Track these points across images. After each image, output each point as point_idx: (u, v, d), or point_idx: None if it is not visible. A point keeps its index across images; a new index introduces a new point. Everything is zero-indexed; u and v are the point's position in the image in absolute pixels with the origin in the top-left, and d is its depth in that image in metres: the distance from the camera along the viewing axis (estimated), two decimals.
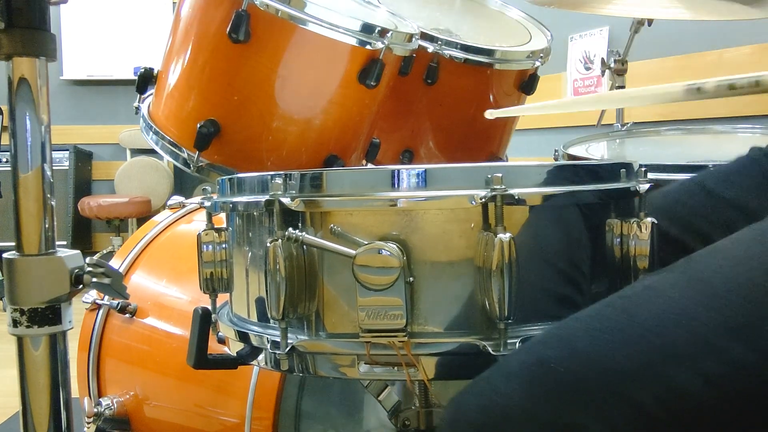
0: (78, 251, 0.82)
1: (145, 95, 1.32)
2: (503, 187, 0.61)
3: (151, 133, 1.26)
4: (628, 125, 1.92)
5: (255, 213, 0.72)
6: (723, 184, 0.86)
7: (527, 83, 1.49)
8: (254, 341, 0.72)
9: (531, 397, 0.57)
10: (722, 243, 0.62)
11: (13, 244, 0.79)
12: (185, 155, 1.19)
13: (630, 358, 0.55)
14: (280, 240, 0.65)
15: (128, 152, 4.79)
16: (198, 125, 1.15)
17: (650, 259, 0.68)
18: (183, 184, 4.57)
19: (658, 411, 0.54)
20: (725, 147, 1.67)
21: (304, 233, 0.65)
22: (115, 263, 1.36)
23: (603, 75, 2.85)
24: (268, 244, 0.65)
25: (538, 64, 1.47)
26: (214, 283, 0.79)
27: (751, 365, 0.53)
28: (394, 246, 0.62)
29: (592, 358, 0.56)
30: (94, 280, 0.80)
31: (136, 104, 1.32)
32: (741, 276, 0.57)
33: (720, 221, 0.83)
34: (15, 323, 0.78)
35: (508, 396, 0.57)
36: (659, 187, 0.91)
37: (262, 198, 0.68)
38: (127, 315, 1.27)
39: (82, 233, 4.71)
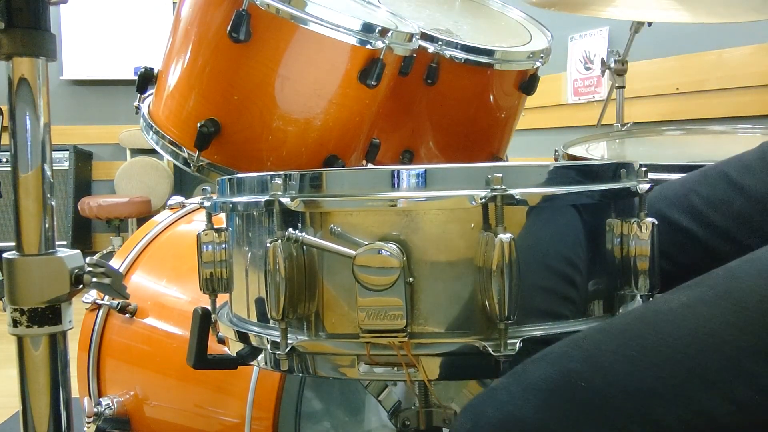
0: (78, 251, 0.82)
1: (146, 95, 1.32)
2: (503, 187, 0.61)
3: (151, 132, 1.26)
4: (628, 125, 1.93)
5: (255, 213, 0.72)
6: (744, 172, 0.82)
7: (527, 83, 1.49)
8: (254, 341, 0.72)
9: (552, 413, 0.56)
10: (761, 252, 0.59)
11: (13, 244, 0.79)
12: (185, 155, 1.19)
13: (657, 379, 0.54)
14: (279, 240, 0.65)
15: (128, 152, 4.79)
16: (198, 125, 1.15)
17: (650, 260, 0.68)
18: (183, 184, 4.57)
19: None
20: (725, 147, 1.67)
21: (304, 233, 0.65)
22: (115, 263, 1.36)
23: (603, 75, 2.85)
24: (268, 245, 0.65)
25: (538, 64, 1.47)
26: (214, 283, 0.79)
27: None
28: (394, 246, 0.62)
29: (617, 376, 0.55)
30: (94, 280, 0.80)
31: (136, 104, 1.32)
32: None
33: (735, 214, 0.81)
34: (15, 323, 0.78)
35: (527, 410, 0.56)
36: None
37: (262, 198, 0.68)
38: (127, 315, 1.27)
39: (82, 233, 4.71)
